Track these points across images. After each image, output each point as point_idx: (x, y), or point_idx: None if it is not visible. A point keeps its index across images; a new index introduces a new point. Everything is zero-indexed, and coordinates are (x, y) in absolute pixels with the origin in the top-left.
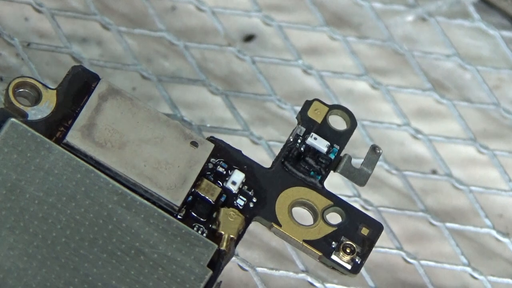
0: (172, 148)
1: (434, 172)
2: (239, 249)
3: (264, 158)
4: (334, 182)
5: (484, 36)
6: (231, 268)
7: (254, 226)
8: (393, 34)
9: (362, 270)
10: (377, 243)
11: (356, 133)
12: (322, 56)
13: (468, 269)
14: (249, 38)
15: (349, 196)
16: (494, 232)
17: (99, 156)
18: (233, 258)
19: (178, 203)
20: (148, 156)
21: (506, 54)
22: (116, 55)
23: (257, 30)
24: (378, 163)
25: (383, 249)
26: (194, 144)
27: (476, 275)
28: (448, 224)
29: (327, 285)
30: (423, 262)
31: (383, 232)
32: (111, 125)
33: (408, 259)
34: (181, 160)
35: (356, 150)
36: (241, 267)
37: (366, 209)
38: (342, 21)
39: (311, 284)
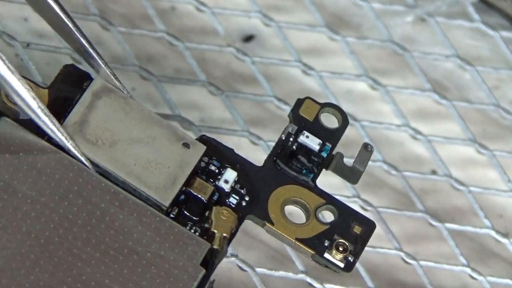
0: (163, 149)
1: (433, 172)
2: (238, 249)
3: (263, 158)
4: (333, 183)
5: (483, 37)
6: (230, 268)
7: (253, 227)
8: (392, 35)
9: (362, 271)
10: (376, 244)
11: (355, 134)
12: (321, 57)
13: (468, 270)
14: (248, 38)
15: (349, 197)
16: (493, 233)
17: (89, 154)
18: (233, 259)
19: (167, 203)
20: (139, 155)
21: (505, 55)
22: (115, 56)
23: (256, 30)
24: (378, 163)
25: (383, 249)
26: (186, 145)
27: (475, 275)
28: (448, 225)
29: (326, 285)
30: (422, 262)
31: (382, 233)
32: (103, 123)
33: (408, 260)
34: (171, 160)
35: (355, 151)
36: (240, 267)
37: (366, 210)
38: (341, 22)
39: (310, 284)
